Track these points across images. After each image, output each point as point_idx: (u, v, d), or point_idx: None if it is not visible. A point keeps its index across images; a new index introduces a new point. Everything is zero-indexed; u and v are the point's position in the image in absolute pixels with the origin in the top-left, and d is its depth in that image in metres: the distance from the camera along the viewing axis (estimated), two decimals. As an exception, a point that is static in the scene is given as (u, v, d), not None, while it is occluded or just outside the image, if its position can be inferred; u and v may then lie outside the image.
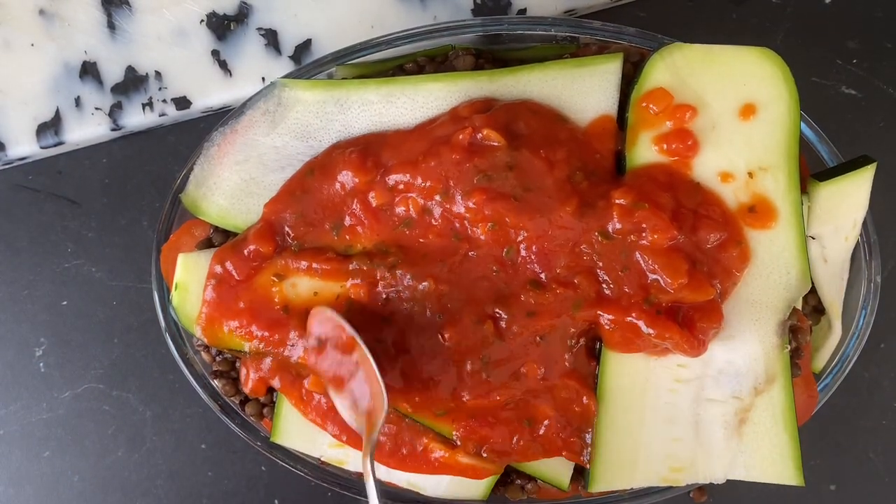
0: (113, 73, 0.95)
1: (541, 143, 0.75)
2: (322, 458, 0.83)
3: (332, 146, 0.79)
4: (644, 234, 0.73)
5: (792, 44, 0.95)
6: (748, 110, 0.76)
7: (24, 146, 0.96)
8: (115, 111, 0.95)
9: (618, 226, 0.74)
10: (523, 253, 0.76)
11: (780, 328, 0.77)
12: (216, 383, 0.84)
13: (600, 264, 0.75)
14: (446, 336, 0.76)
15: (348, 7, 0.93)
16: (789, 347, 0.78)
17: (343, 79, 0.83)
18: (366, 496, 0.84)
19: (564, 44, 0.84)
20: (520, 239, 0.75)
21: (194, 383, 0.84)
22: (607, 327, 0.75)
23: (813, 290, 0.82)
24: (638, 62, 0.80)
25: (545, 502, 0.84)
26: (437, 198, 0.75)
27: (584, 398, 0.77)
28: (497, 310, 0.76)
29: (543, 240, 0.75)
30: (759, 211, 0.76)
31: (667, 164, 0.76)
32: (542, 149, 0.74)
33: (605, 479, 0.79)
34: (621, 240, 0.74)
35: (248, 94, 0.82)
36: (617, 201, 0.74)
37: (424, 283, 0.76)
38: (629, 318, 0.74)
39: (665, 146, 0.76)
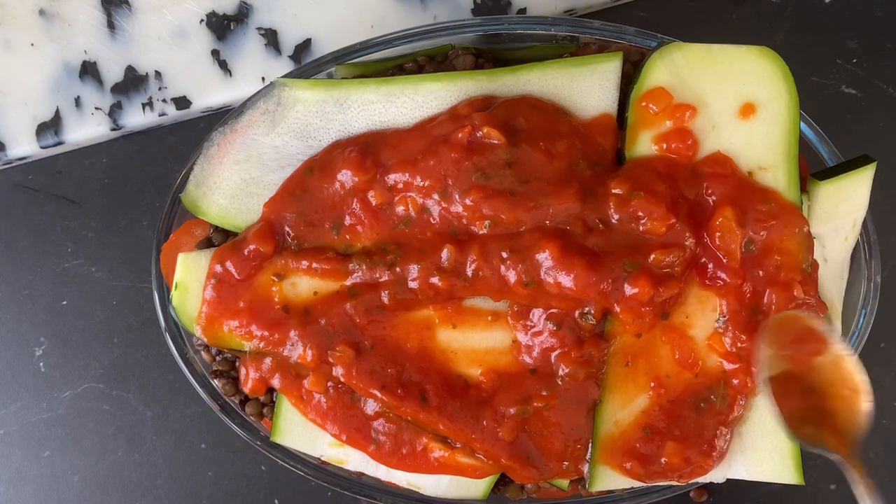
0: (113, 72, 0.95)
1: (541, 137, 0.74)
2: (322, 458, 0.83)
3: (331, 145, 0.79)
4: (643, 222, 0.73)
5: (792, 43, 0.95)
6: (748, 109, 0.76)
7: (24, 146, 0.96)
8: (115, 111, 0.95)
9: (615, 216, 0.74)
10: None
11: (781, 328, 0.77)
12: (216, 383, 0.84)
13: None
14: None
15: (348, 7, 0.93)
16: (789, 347, 0.78)
17: (343, 78, 0.83)
18: (365, 496, 0.84)
19: (564, 43, 0.84)
20: (522, 230, 0.75)
21: (194, 383, 0.84)
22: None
23: (813, 290, 0.82)
24: (638, 62, 0.80)
25: (545, 502, 0.84)
26: (436, 196, 0.75)
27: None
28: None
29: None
30: (759, 210, 0.75)
31: (666, 156, 0.76)
32: (541, 141, 0.74)
33: (605, 479, 0.79)
34: (622, 228, 0.74)
35: (248, 93, 0.82)
36: (613, 191, 0.73)
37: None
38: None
39: (665, 145, 0.76)
